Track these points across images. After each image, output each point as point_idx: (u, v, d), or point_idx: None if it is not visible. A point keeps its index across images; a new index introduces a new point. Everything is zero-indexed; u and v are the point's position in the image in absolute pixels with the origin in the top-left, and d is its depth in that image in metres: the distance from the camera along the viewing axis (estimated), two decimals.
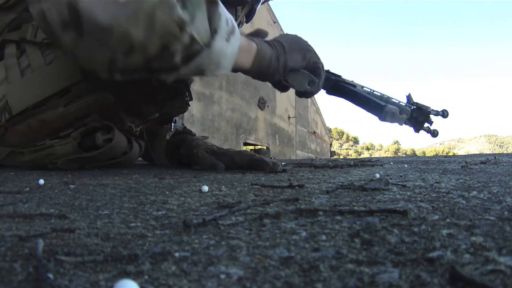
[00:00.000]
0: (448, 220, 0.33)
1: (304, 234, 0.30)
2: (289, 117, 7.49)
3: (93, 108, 0.87)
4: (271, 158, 1.90)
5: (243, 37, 0.71)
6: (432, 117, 1.06)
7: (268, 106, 6.30)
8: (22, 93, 0.85)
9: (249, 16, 1.08)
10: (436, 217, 0.34)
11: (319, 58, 0.85)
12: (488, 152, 12.76)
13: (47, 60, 0.86)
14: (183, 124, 1.27)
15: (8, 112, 0.86)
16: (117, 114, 0.93)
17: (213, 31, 0.60)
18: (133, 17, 0.53)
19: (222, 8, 0.62)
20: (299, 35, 0.86)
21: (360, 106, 0.99)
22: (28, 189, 0.57)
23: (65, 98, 0.85)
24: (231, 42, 0.64)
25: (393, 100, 1.02)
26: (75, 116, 0.86)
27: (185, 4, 0.55)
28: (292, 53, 0.79)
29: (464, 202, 0.42)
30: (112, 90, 0.87)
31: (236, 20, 1.00)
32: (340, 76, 1.01)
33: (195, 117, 4.32)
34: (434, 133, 1.10)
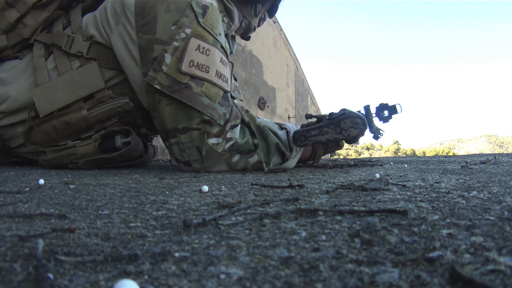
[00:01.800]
0: (448, 220, 0.33)
1: (304, 234, 0.30)
2: (289, 117, 7.50)
3: (114, 113, 0.93)
4: None
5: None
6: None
7: (268, 106, 6.30)
8: (49, 97, 0.91)
9: (271, 12, 1.14)
10: (436, 217, 0.34)
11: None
12: (488, 152, 12.76)
13: (74, 66, 0.93)
14: None
15: (35, 112, 0.92)
16: (135, 120, 1.00)
17: (284, 161, 0.98)
18: (241, 168, 0.91)
19: (292, 150, 0.99)
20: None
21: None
22: (28, 189, 0.57)
23: (88, 102, 0.92)
24: (296, 157, 1.03)
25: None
26: (96, 119, 0.92)
27: (268, 163, 0.93)
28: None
29: (464, 202, 0.42)
30: (134, 98, 0.96)
31: (256, 16, 1.09)
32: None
33: None
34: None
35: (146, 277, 0.21)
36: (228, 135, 0.86)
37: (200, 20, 0.82)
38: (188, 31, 0.81)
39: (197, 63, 0.82)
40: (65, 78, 0.91)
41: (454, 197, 0.46)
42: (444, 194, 0.48)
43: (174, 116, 0.83)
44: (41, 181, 0.63)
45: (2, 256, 0.24)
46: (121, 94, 0.94)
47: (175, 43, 0.81)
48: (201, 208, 0.41)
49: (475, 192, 0.49)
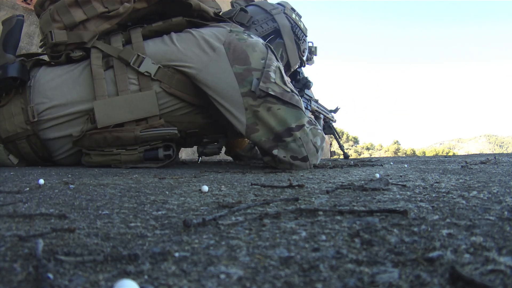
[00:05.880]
0: (448, 220, 0.33)
1: (304, 234, 0.30)
2: None
3: (162, 138, 1.06)
4: None
5: None
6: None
7: None
8: (109, 112, 1.01)
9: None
10: (436, 217, 0.34)
11: None
12: (488, 152, 12.75)
13: (132, 89, 1.04)
14: None
15: (92, 122, 1.02)
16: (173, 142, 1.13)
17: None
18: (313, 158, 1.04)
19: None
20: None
21: None
22: (28, 189, 0.57)
23: (141, 125, 1.03)
24: None
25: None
26: (145, 139, 1.04)
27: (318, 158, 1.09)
28: None
29: (464, 202, 0.42)
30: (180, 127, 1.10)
31: None
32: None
33: None
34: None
35: (146, 277, 0.21)
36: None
37: (277, 58, 1.10)
38: (276, 63, 1.05)
39: (289, 81, 1.06)
40: (125, 98, 1.02)
41: (454, 197, 0.46)
42: (444, 194, 0.48)
43: (286, 117, 0.98)
44: (41, 181, 0.63)
45: (2, 256, 0.24)
46: (170, 122, 1.07)
47: (273, 67, 1.03)
48: (201, 208, 0.41)
49: (475, 192, 0.49)
